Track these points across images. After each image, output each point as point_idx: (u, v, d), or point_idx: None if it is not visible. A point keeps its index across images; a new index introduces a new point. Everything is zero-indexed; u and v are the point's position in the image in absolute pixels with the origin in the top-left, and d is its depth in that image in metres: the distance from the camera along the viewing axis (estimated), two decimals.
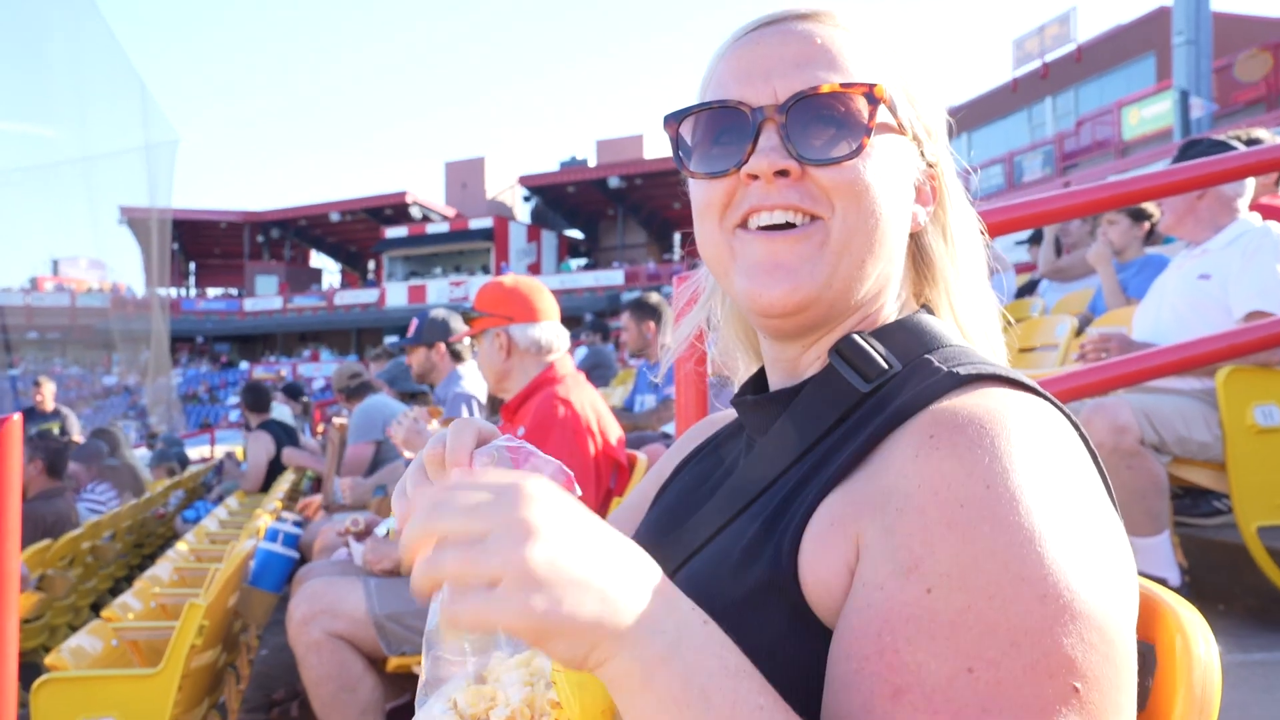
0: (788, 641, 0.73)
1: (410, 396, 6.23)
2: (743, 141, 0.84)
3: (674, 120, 0.90)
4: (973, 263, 0.96)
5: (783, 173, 0.84)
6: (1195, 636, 0.74)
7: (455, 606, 0.58)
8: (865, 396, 0.83)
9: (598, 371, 8.14)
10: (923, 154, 0.91)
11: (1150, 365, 2.80)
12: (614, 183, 47.44)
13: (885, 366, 0.84)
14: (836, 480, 0.76)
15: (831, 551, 0.73)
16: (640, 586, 0.61)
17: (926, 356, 0.83)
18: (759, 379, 1.02)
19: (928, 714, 0.62)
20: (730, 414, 1.11)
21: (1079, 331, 4.43)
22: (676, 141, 0.90)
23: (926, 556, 0.67)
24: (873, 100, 0.83)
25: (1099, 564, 0.67)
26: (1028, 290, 6.62)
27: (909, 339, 0.87)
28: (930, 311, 0.93)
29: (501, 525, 0.58)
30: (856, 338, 0.87)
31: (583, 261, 54.54)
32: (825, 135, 0.83)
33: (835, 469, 0.77)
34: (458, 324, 4.85)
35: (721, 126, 0.87)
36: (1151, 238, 5.27)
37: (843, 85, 0.83)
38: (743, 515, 0.84)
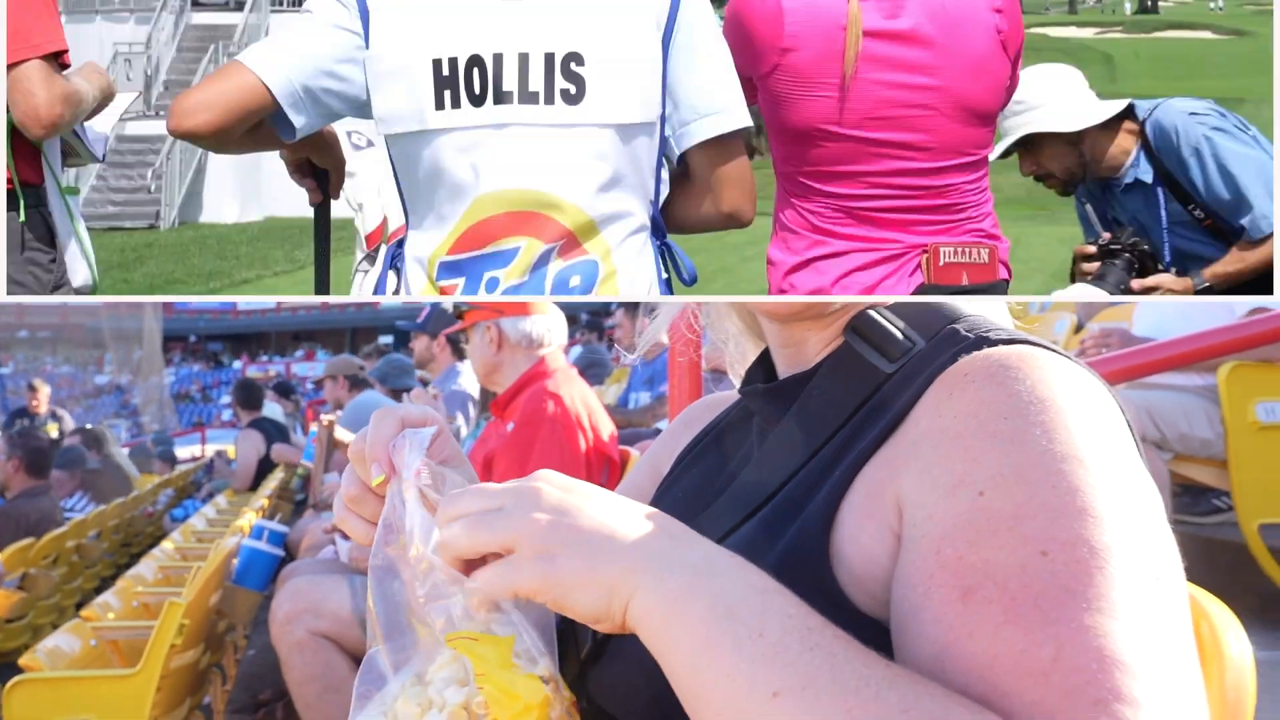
0: None
1: (407, 392, 6.16)
2: None
3: None
4: None
5: None
6: (1226, 635, 0.67)
7: (478, 579, 0.61)
8: (889, 376, 0.76)
9: (593, 370, 8.06)
10: None
11: (1151, 360, 2.76)
12: None
13: (907, 343, 0.77)
14: (867, 456, 0.70)
15: (872, 519, 0.66)
16: (655, 531, 0.62)
17: (952, 326, 0.76)
18: (766, 362, 0.95)
19: (1003, 604, 0.55)
20: (730, 396, 1.05)
21: (1078, 329, 4.38)
22: None
23: (973, 468, 0.60)
24: None
25: (1155, 499, 0.62)
26: None
27: (926, 312, 0.80)
28: None
29: (513, 498, 0.62)
30: (873, 314, 0.80)
31: None
32: None
33: (865, 445, 0.70)
34: None
35: None
36: None
37: None
38: (760, 511, 0.76)
